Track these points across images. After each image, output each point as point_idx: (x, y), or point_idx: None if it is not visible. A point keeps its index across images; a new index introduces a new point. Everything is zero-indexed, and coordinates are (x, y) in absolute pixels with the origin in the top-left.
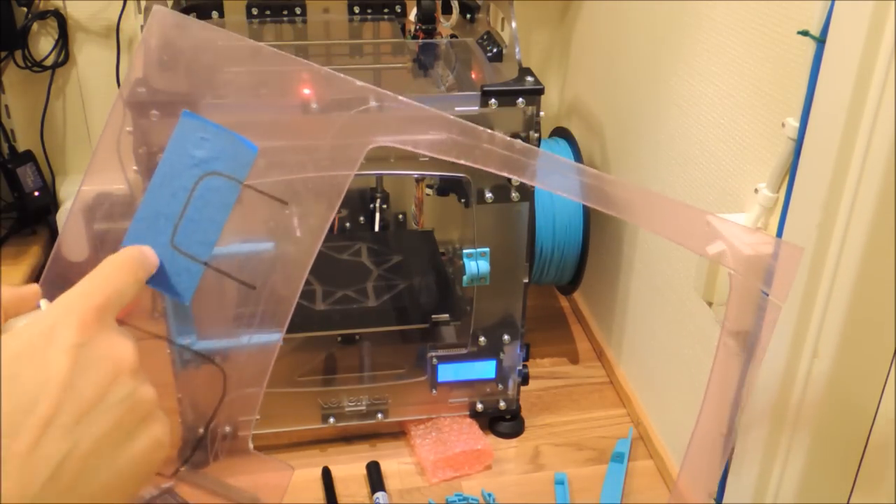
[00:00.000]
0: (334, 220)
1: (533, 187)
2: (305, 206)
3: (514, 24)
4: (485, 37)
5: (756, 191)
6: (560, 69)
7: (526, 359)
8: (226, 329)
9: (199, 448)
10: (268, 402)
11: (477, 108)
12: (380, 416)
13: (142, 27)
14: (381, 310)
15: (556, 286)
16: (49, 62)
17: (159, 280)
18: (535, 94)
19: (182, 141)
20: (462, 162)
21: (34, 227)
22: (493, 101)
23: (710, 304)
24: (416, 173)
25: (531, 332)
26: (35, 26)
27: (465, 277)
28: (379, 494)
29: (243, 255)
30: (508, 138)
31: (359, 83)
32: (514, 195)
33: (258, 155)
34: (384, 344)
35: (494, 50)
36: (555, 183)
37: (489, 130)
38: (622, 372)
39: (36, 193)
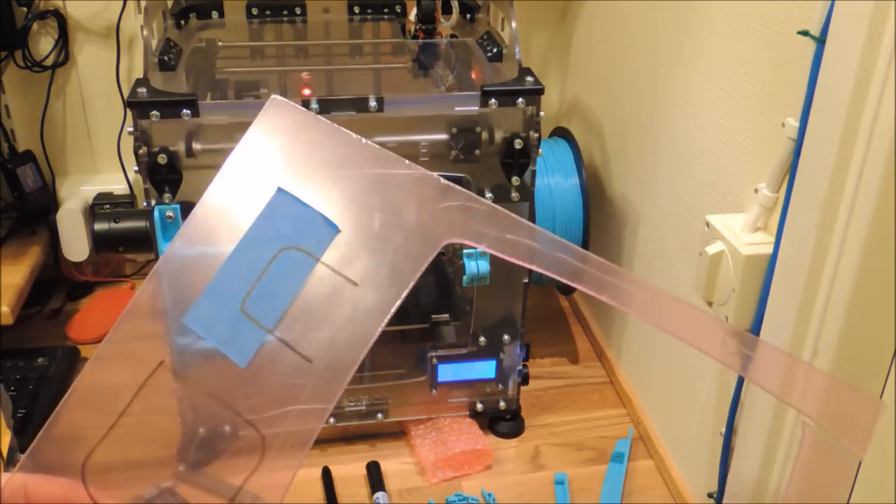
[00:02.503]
0: None
1: (533, 187)
2: (373, 288)
3: (514, 24)
4: (485, 37)
5: (756, 191)
6: (560, 69)
7: (526, 359)
8: (274, 398)
9: (199, 448)
10: None
11: (477, 108)
12: (380, 416)
13: (142, 27)
14: None
15: (556, 286)
16: (49, 62)
17: (223, 340)
18: (535, 94)
19: (271, 214)
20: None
21: (34, 227)
22: (493, 101)
23: (709, 304)
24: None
25: (531, 332)
26: (35, 26)
27: (465, 277)
28: (379, 494)
29: (304, 327)
30: (600, 260)
31: (437, 178)
32: (514, 195)
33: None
34: (384, 344)
35: (494, 50)
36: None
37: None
38: (622, 372)
39: (36, 193)
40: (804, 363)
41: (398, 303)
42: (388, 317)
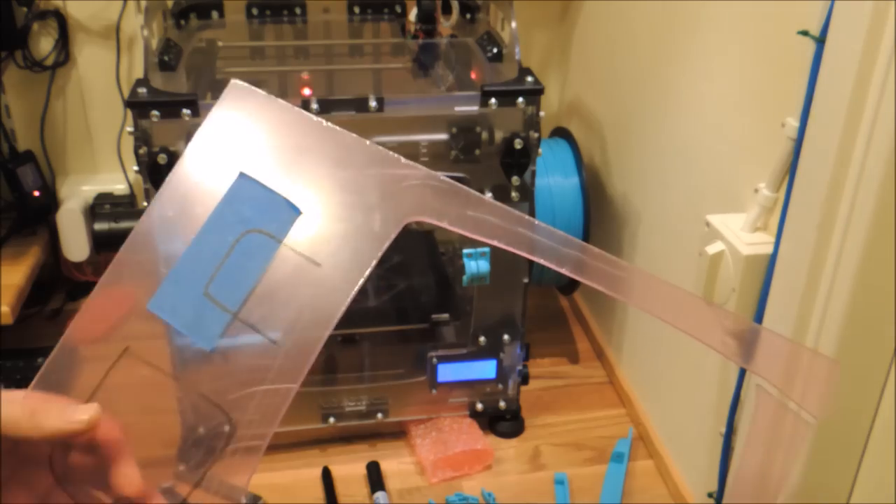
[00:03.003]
0: None
1: (533, 187)
2: (336, 268)
3: (514, 24)
4: (485, 37)
5: (756, 191)
6: (560, 69)
7: (526, 359)
8: (240, 379)
9: (197, 448)
10: None
11: (477, 108)
12: (380, 416)
13: (142, 27)
14: (381, 310)
15: (556, 286)
16: (49, 62)
17: (189, 324)
18: (535, 94)
19: (233, 198)
20: (507, 248)
21: (34, 227)
22: (493, 100)
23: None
24: None
25: (531, 332)
26: (35, 26)
27: (465, 277)
28: (379, 494)
29: (268, 309)
30: (561, 233)
31: (397, 157)
32: (514, 195)
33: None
34: (384, 344)
35: (494, 50)
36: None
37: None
38: (622, 372)
39: (36, 193)
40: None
41: (361, 282)
42: (352, 296)
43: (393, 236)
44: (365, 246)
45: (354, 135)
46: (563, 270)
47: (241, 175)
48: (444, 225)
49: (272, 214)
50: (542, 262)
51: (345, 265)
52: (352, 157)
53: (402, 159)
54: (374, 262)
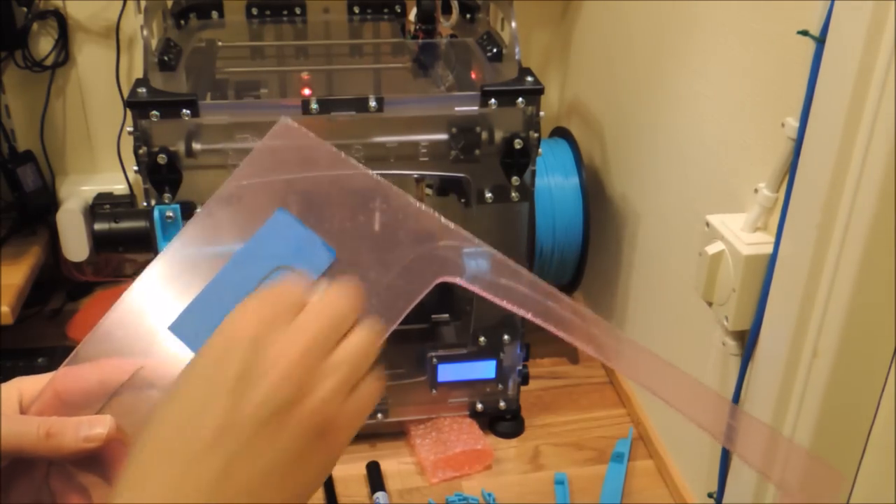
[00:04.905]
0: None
1: (533, 187)
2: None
3: (514, 24)
4: (485, 37)
5: (756, 191)
6: (560, 69)
7: (526, 359)
8: None
9: None
10: None
11: (477, 108)
12: (380, 416)
13: (142, 27)
14: None
15: (556, 286)
16: (49, 62)
17: None
18: (535, 94)
19: (269, 233)
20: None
21: (34, 227)
22: (492, 101)
23: (709, 304)
24: (415, 173)
25: (531, 332)
26: (35, 26)
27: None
28: (379, 494)
29: None
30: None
31: (437, 217)
32: (514, 195)
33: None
34: (384, 344)
35: (494, 50)
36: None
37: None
38: None
39: (36, 193)
40: (784, 437)
41: (386, 335)
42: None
43: (423, 294)
44: (393, 300)
45: (400, 189)
46: (589, 350)
47: (280, 211)
48: (475, 289)
49: (306, 255)
50: (573, 341)
51: (374, 311)
52: (392, 210)
53: (442, 219)
54: (402, 317)
